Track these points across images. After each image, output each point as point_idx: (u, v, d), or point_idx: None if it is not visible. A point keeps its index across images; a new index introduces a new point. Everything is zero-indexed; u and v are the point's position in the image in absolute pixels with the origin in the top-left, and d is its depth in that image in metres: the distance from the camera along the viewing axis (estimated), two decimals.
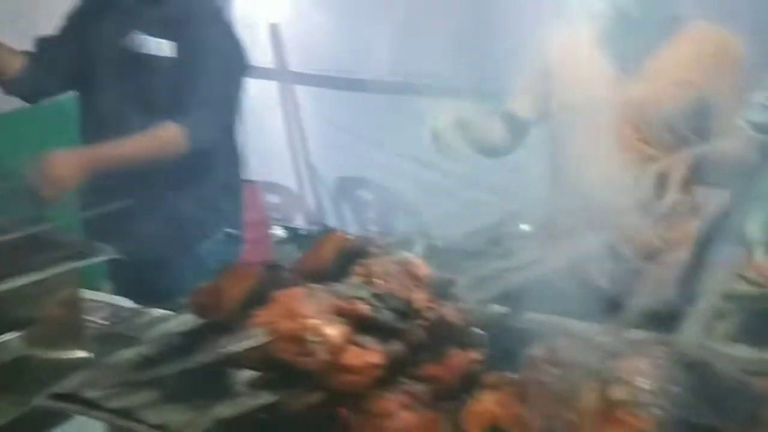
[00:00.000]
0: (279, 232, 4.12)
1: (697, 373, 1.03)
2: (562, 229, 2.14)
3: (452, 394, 1.04)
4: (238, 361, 1.03)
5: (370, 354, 0.98)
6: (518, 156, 2.31)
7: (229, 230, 2.34)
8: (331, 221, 4.23)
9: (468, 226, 1.70)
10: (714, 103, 1.95)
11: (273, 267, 1.06)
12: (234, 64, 2.21)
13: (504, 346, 1.15)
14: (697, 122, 1.94)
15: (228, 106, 2.24)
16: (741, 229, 1.85)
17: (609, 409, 0.91)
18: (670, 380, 1.00)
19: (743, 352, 1.16)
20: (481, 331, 1.21)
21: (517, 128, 2.21)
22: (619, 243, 2.02)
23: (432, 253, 1.38)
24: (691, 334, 1.19)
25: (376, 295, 1.10)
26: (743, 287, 1.84)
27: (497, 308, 1.32)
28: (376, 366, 0.96)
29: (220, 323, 1.07)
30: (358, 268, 1.18)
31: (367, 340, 1.03)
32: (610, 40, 2.03)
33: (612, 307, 1.25)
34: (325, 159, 4.30)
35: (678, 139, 1.94)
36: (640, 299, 1.31)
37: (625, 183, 2.04)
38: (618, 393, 0.96)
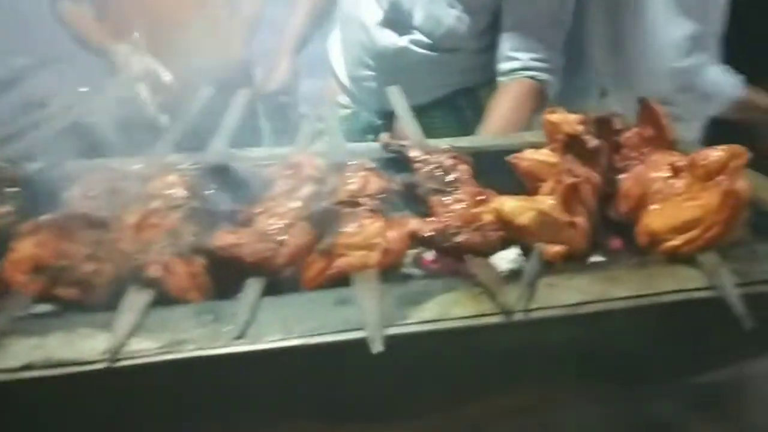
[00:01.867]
0: None
1: (221, 173, 1.23)
2: None
3: None
4: None
5: None
6: None
7: None
8: None
9: None
10: None
11: None
12: None
13: (41, 195, 1.15)
14: None
15: None
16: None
17: (145, 219, 1.03)
18: (198, 184, 1.17)
19: (257, 153, 1.42)
20: (14, 188, 1.16)
21: None
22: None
23: None
24: (217, 147, 1.39)
25: None
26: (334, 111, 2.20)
27: (30, 163, 1.28)
28: None
29: None
30: None
31: None
32: None
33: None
34: None
35: None
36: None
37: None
38: (152, 204, 1.08)
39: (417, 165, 1.27)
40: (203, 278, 0.95)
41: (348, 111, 2.22)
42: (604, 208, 1.20)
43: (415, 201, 1.16)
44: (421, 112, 1.63)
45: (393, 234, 0.98)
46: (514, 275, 0.95)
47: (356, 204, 1.04)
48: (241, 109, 1.59)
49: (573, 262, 1.00)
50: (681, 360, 1.04)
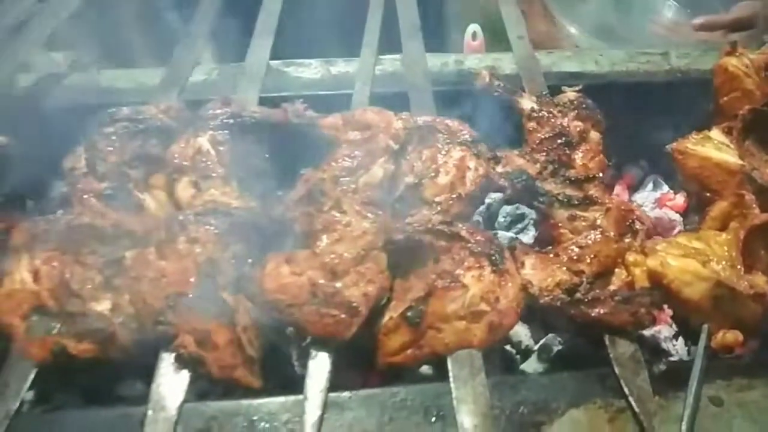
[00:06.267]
0: None
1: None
2: None
3: None
4: None
5: None
6: None
7: None
8: None
9: None
10: None
11: None
12: None
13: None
14: None
15: None
16: None
17: (169, 243, 0.77)
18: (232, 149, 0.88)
19: (308, 72, 1.07)
20: None
21: None
22: None
23: None
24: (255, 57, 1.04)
25: None
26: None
27: None
28: None
29: None
30: None
31: None
32: None
33: None
34: None
35: None
36: None
37: None
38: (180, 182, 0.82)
39: (530, 126, 0.93)
40: (255, 346, 0.72)
41: None
42: None
43: (528, 197, 0.86)
44: None
45: (504, 299, 0.71)
46: (668, 374, 0.70)
47: (453, 236, 0.75)
48: None
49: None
50: None
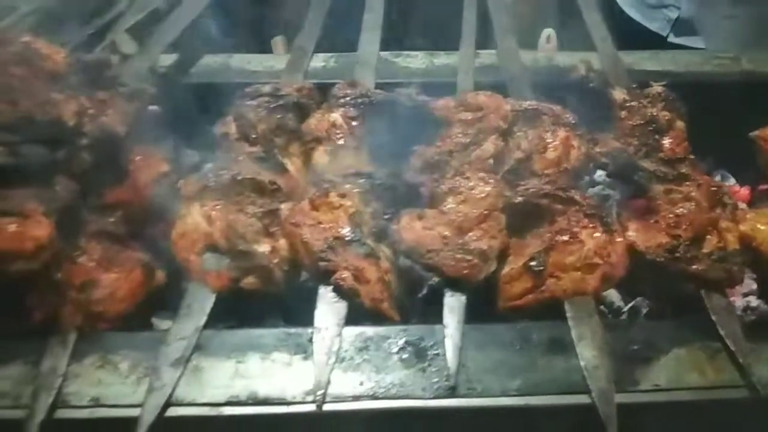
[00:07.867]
0: None
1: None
2: None
3: (148, 218, 0.91)
4: None
5: (31, 226, 0.76)
6: None
7: None
8: None
9: None
10: None
11: None
12: None
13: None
14: None
15: None
16: None
17: (320, 197, 0.90)
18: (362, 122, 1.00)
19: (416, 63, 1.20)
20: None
21: None
22: None
23: None
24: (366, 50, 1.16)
25: None
26: None
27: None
28: (41, 247, 0.75)
29: None
30: None
31: (21, 196, 0.80)
32: None
33: None
34: None
35: None
36: None
37: None
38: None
39: (622, 114, 1.05)
40: (393, 286, 0.84)
41: None
42: None
43: (623, 180, 0.97)
44: None
45: (615, 254, 0.83)
46: (755, 325, 0.81)
47: (568, 200, 0.87)
48: None
49: None
50: None
